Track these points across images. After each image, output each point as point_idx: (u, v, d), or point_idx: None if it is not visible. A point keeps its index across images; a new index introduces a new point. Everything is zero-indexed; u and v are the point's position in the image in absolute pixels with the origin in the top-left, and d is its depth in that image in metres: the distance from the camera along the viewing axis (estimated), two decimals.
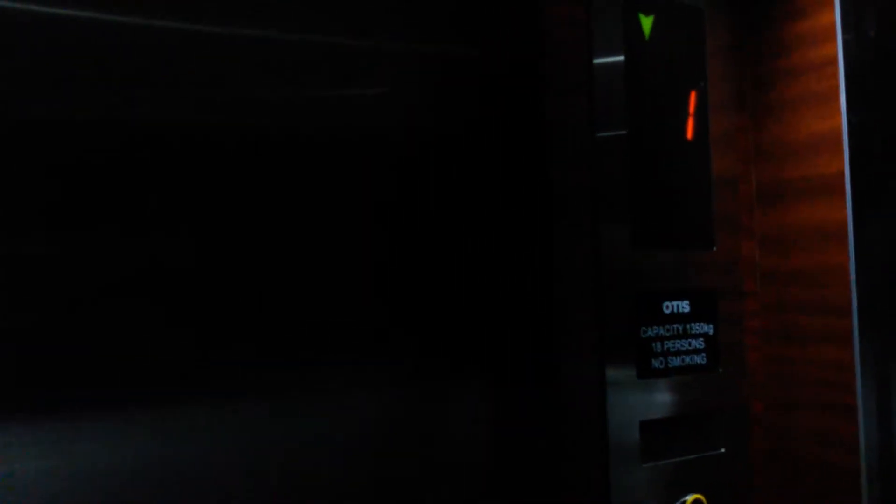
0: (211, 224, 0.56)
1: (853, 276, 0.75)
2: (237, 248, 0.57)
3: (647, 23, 0.77)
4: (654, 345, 0.76)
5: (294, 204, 0.60)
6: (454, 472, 0.66)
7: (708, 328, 0.79)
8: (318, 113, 0.61)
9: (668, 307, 0.77)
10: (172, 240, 0.55)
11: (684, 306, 0.78)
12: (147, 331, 0.53)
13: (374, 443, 0.62)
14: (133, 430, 0.52)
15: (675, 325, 0.77)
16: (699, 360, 0.79)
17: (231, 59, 0.58)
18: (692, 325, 0.78)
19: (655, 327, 0.76)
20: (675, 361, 0.77)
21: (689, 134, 0.79)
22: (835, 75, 0.77)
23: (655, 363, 0.76)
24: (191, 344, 0.55)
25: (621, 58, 0.75)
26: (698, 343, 0.79)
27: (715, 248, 0.80)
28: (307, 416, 0.59)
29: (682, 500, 0.76)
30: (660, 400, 0.76)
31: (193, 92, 0.56)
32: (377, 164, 0.64)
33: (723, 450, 0.80)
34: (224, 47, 0.57)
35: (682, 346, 0.78)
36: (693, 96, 0.80)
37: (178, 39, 0.56)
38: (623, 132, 0.75)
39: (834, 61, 0.77)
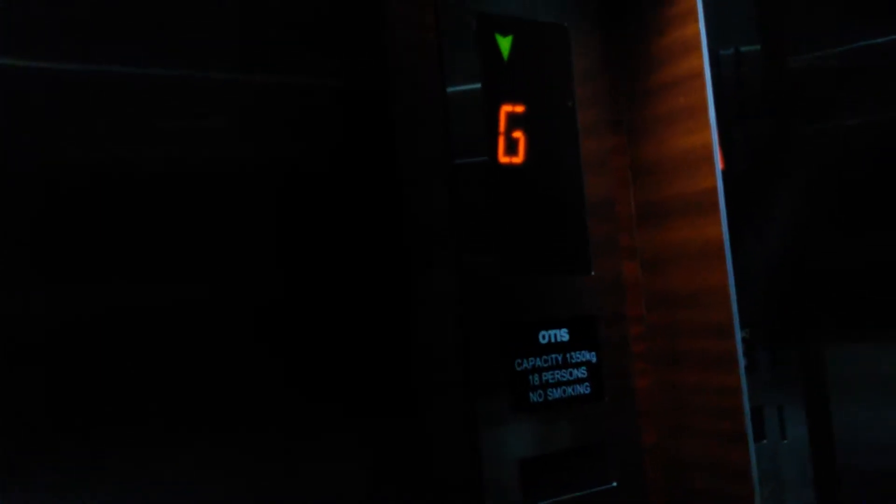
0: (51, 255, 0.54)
1: (733, 295, 0.72)
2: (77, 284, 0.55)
3: (504, 43, 0.74)
4: (530, 377, 0.72)
5: (145, 240, 0.57)
6: None
7: (590, 356, 0.76)
8: (169, 145, 0.59)
9: (544, 336, 0.73)
10: None
11: (562, 335, 0.74)
12: None
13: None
14: None
15: (553, 356, 0.74)
16: (582, 390, 0.75)
17: (78, 96, 0.56)
18: (572, 353, 0.75)
19: (531, 358, 0.72)
20: (556, 393, 0.73)
21: (559, 156, 0.76)
22: (702, 88, 0.74)
23: (534, 396, 0.72)
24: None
25: (478, 83, 0.72)
26: (580, 372, 0.75)
27: (593, 272, 0.77)
28: None
29: None
30: (541, 435, 0.72)
31: (32, 127, 0.54)
32: (228, 197, 0.61)
33: (615, 483, 0.75)
34: (69, 84, 0.55)
35: (562, 376, 0.74)
36: (563, 118, 0.77)
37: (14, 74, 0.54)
38: (484, 158, 0.72)
39: (700, 74, 0.75)
